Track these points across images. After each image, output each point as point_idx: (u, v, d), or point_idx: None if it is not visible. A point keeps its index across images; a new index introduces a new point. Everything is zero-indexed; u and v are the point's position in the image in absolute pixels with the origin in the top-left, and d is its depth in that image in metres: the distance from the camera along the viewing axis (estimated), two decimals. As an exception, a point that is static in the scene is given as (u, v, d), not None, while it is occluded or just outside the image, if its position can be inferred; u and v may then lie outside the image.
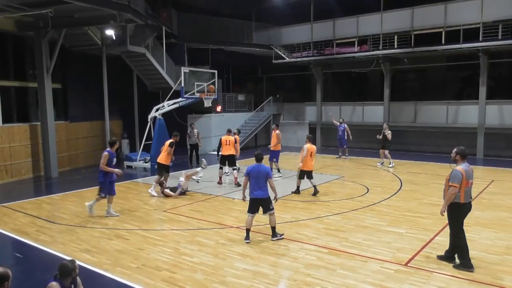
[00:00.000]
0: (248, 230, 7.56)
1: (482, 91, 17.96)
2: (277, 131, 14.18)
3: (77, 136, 16.94)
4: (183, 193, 11.32)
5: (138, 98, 19.28)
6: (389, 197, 10.78)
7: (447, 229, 7.92)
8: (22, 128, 14.56)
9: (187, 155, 17.12)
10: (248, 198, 7.65)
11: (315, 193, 10.98)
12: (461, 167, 6.11)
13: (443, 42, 17.93)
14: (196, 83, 15.64)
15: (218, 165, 13.62)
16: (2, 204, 10.53)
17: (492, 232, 7.79)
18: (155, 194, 11.33)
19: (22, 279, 5.98)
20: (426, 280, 5.78)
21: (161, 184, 11.35)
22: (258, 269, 6.23)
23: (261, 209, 7.58)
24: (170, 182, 11.89)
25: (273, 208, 7.56)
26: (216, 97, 16.93)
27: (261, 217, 9.03)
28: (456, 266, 6.15)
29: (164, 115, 16.25)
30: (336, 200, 10.58)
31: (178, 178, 12.13)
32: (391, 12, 19.40)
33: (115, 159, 9.46)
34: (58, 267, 4.49)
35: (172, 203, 10.52)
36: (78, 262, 4.75)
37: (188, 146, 16.80)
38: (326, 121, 22.67)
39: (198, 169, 12.76)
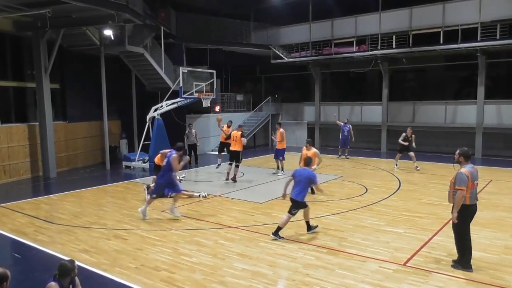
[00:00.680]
0: (280, 228, 7.65)
1: (480, 91, 18.00)
2: (281, 129, 14.42)
3: (76, 136, 16.91)
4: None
5: (136, 98, 19.25)
6: (387, 197, 10.80)
7: (445, 229, 7.98)
8: (20, 128, 14.53)
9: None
10: (287, 197, 7.78)
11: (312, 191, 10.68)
12: (465, 169, 5.98)
13: (441, 42, 17.96)
14: (194, 83, 15.64)
15: (216, 164, 13.83)
16: (1, 205, 10.51)
17: (491, 232, 7.81)
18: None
19: (20, 280, 5.97)
20: (425, 280, 5.79)
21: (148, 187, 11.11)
22: (257, 269, 6.24)
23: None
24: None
25: (307, 206, 7.74)
26: (214, 97, 16.93)
27: (260, 217, 9.04)
28: (455, 266, 6.15)
29: (162, 115, 16.24)
30: (335, 200, 10.59)
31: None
32: (389, 12, 19.43)
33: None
34: (57, 267, 4.49)
35: (169, 202, 10.50)
36: (77, 262, 4.75)
37: (186, 147, 16.80)
38: (324, 121, 22.69)
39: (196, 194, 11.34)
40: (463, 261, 6.11)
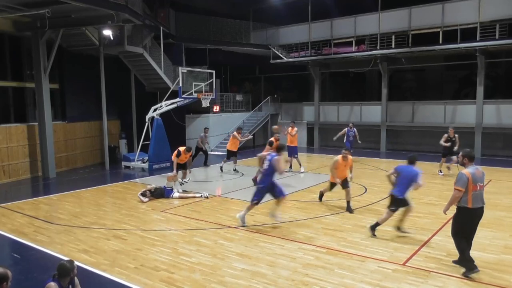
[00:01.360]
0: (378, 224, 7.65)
1: (480, 90, 18.01)
2: (295, 128, 15.04)
3: (75, 136, 16.91)
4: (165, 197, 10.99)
5: (136, 98, 19.25)
6: (387, 197, 10.76)
7: (445, 229, 7.97)
8: (19, 128, 14.52)
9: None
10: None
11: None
12: (467, 170, 5.85)
13: (440, 42, 17.97)
14: (194, 83, 15.65)
15: (221, 164, 14.09)
16: (0, 205, 10.50)
17: (490, 232, 7.81)
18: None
19: (20, 280, 5.96)
20: (424, 279, 5.79)
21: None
22: (257, 269, 6.24)
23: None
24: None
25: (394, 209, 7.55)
26: (214, 97, 16.93)
27: (259, 217, 9.04)
28: (455, 261, 6.16)
29: (162, 115, 16.25)
30: (334, 199, 10.58)
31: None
32: (389, 12, 19.44)
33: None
34: (57, 267, 4.49)
35: (168, 202, 10.51)
36: (76, 263, 4.75)
37: (204, 149, 16.59)
38: (324, 121, 22.71)
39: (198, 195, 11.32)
40: (463, 260, 6.00)
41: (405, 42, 18.89)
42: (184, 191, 11.33)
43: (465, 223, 5.94)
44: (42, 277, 5.19)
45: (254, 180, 11.81)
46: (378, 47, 19.58)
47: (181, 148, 11.68)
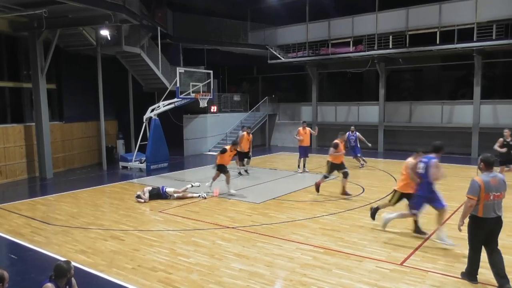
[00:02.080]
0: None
1: (477, 91, 18.06)
2: (307, 128, 15.32)
3: (72, 136, 16.87)
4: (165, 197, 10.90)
5: (133, 99, 19.22)
6: (384, 197, 10.79)
7: (442, 229, 7.99)
8: (16, 128, 14.48)
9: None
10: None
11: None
12: (480, 177, 5.46)
13: (437, 42, 18.01)
14: (191, 83, 15.64)
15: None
16: (-3, 205, 10.48)
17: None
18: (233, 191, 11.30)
19: (16, 281, 5.94)
20: (422, 279, 5.80)
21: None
22: (254, 269, 6.24)
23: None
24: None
25: None
26: (211, 97, 16.92)
27: (257, 217, 9.04)
28: (462, 274, 5.84)
29: (159, 115, 16.23)
30: (332, 199, 10.60)
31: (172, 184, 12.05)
32: (386, 12, 19.46)
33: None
34: (53, 268, 4.47)
35: (166, 203, 10.50)
36: (73, 263, 4.73)
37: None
38: (321, 121, 22.72)
39: (189, 186, 11.37)
40: (469, 272, 5.74)
41: (403, 43, 18.92)
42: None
43: (476, 233, 5.59)
44: (39, 278, 5.18)
45: (317, 187, 11.17)
46: (375, 47, 19.61)
47: (227, 146, 11.62)
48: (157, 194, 10.87)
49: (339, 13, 20.97)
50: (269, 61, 22.86)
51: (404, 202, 7.83)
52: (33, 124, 14.74)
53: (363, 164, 15.94)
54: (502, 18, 16.48)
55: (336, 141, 10.86)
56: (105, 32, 15.49)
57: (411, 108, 20.23)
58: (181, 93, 15.37)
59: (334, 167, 10.91)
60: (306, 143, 14.97)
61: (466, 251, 6.78)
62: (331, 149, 10.76)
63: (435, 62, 20.59)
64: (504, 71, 20.02)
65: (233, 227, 8.35)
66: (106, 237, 7.90)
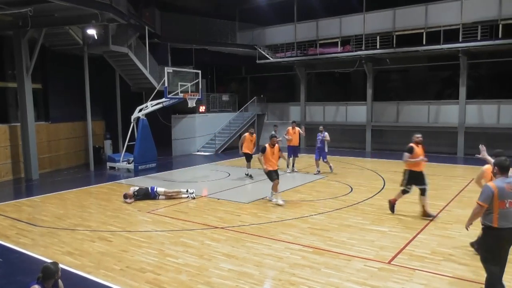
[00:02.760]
0: None
1: (462, 91, 18.32)
2: (297, 128, 15.05)
3: (58, 137, 16.66)
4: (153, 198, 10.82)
5: (121, 99, 19.06)
6: (372, 196, 10.90)
7: (429, 227, 8.10)
8: (1, 129, 14.24)
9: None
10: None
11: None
12: (494, 182, 4.88)
13: (424, 42, 18.22)
14: (179, 83, 15.56)
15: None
16: (-19, 207, 10.30)
17: (472, 230, 7.89)
18: (281, 202, 10.08)
19: (2, 284, 5.86)
20: (409, 277, 5.86)
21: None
22: (243, 269, 6.24)
23: None
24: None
25: None
26: (200, 97, 16.87)
27: (246, 217, 9.04)
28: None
29: (147, 115, 16.13)
30: (321, 199, 10.65)
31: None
32: (373, 13, 19.64)
33: None
34: (41, 269, 4.43)
35: (154, 203, 10.44)
36: (60, 265, 4.68)
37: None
38: (310, 121, 22.81)
39: (183, 190, 11.21)
40: None
41: (390, 43, 19.10)
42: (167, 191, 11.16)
43: (491, 247, 4.91)
44: (25, 280, 5.11)
45: (392, 206, 9.20)
46: (363, 48, 19.76)
47: (266, 144, 10.71)
48: (145, 194, 10.80)
49: (327, 14, 21.09)
50: (257, 61, 22.87)
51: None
52: (19, 124, 14.52)
53: (317, 171, 14.33)
54: (486, 19, 16.75)
55: (410, 144, 8.88)
56: (92, 32, 15.32)
57: (398, 108, 20.44)
58: (169, 93, 15.28)
59: (413, 177, 8.78)
60: (295, 142, 14.97)
61: (454, 250, 6.90)
62: (405, 154, 8.75)
63: (421, 62, 20.82)
64: (488, 71, 20.34)
65: (222, 227, 8.34)
66: (94, 238, 7.83)
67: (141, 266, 6.42)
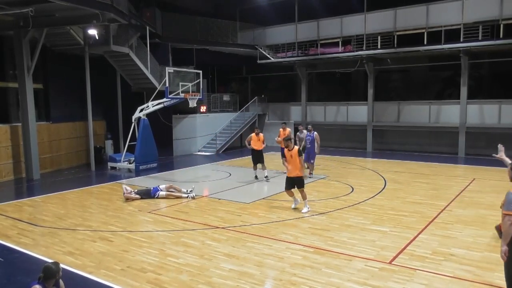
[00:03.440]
0: None
1: (463, 91, 18.30)
2: (288, 129, 14.34)
3: (59, 137, 16.67)
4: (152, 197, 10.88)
5: (121, 99, 19.07)
6: (373, 196, 10.89)
7: (430, 227, 8.10)
8: (2, 129, 14.26)
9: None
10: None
11: None
12: None
13: (425, 42, 18.20)
14: (180, 83, 15.56)
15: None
16: (-18, 207, 10.31)
17: (474, 230, 7.93)
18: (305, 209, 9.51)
19: (3, 283, 5.87)
20: (410, 277, 5.86)
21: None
22: (244, 269, 6.24)
23: None
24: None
25: None
26: (201, 97, 16.88)
27: (247, 217, 9.04)
28: None
29: (148, 115, 16.13)
30: (321, 199, 10.65)
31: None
32: (374, 13, 19.63)
33: None
34: (42, 269, 4.43)
35: (155, 203, 10.44)
36: (61, 265, 4.68)
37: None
38: (311, 121, 22.79)
39: (184, 190, 11.24)
40: None
41: (391, 43, 19.09)
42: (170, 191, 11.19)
43: None
44: (26, 280, 5.12)
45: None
46: (364, 48, 19.75)
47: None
48: (146, 194, 10.88)
49: (328, 14, 21.09)
50: (258, 61, 22.88)
51: None
52: (20, 124, 14.54)
53: (311, 175, 13.64)
54: (487, 19, 16.72)
55: None
56: (93, 32, 15.34)
57: (399, 108, 20.42)
58: (170, 93, 15.28)
59: None
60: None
61: (455, 250, 6.90)
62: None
63: (422, 62, 20.81)
64: (489, 71, 20.33)
65: (222, 227, 8.34)
66: (95, 238, 7.83)
67: (142, 266, 6.43)
